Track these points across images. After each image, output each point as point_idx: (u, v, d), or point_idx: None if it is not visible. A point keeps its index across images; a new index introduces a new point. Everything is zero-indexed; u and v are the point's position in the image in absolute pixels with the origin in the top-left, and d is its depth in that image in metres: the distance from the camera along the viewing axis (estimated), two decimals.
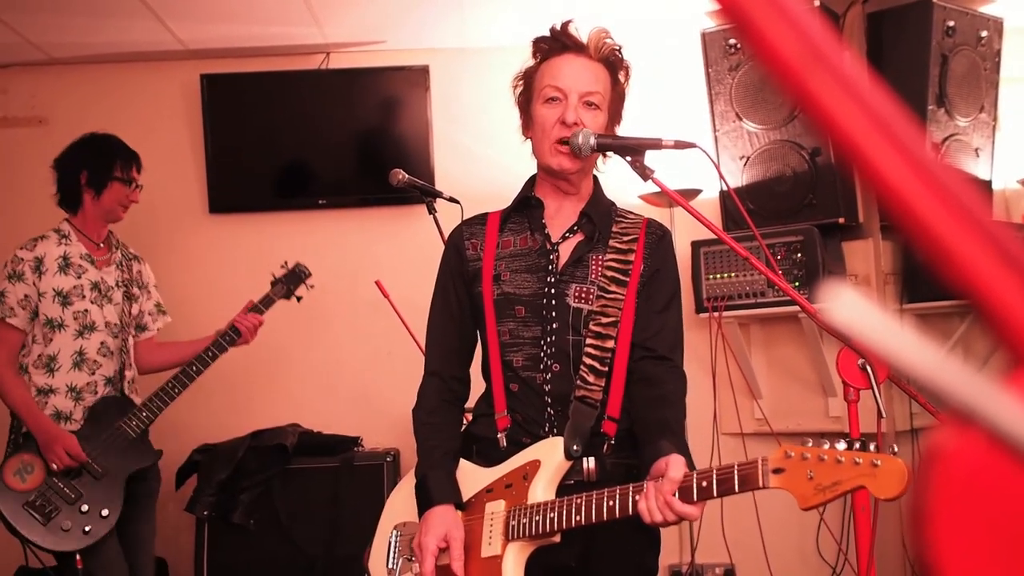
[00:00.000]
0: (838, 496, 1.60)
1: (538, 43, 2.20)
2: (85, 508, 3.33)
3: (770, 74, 0.44)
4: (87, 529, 3.31)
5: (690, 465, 1.86)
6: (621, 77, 2.21)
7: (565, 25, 2.17)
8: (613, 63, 2.17)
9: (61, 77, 4.83)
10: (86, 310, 3.48)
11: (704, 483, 1.76)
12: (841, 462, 1.59)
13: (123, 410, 3.49)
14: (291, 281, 3.86)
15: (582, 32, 2.17)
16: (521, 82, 2.23)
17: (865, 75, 0.45)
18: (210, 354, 3.59)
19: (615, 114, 2.21)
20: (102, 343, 3.51)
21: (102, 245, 3.63)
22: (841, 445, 1.61)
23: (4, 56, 4.70)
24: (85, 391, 3.45)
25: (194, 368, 3.55)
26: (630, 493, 1.85)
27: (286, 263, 3.91)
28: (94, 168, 3.57)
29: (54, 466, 3.30)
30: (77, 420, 3.43)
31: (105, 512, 3.35)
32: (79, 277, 3.50)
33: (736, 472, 1.72)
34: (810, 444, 1.64)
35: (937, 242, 0.44)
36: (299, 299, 3.91)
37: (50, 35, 4.49)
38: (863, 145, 0.44)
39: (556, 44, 2.15)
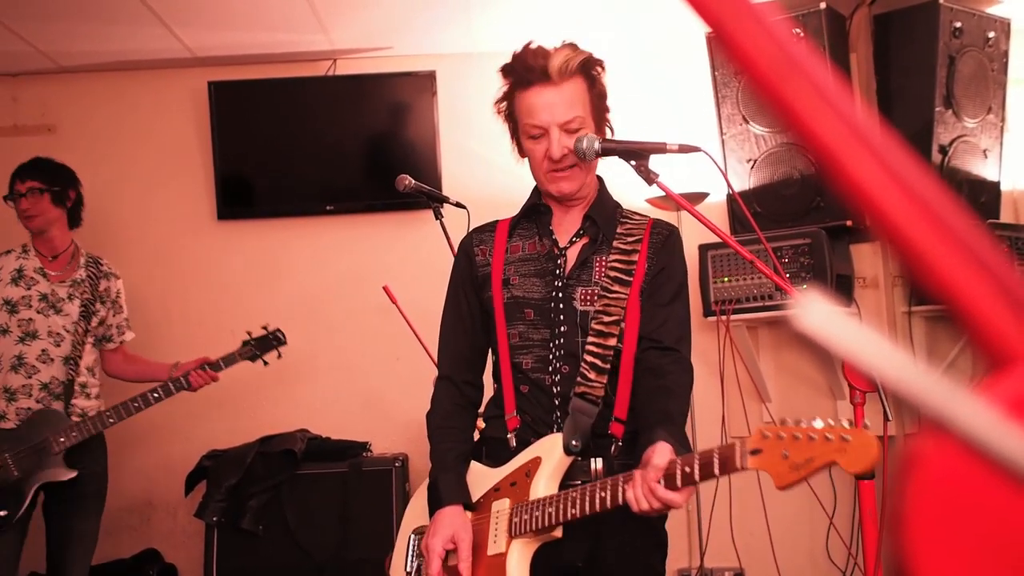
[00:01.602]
0: (813, 473, 1.58)
1: (505, 71, 2.18)
2: None
3: (747, 82, 0.44)
4: None
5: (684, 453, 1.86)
6: (597, 72, 2.15)
7: (526, 51, 2.12)
8: (584, 69, 2.12)
9: (70, 85, 4.85)
10: (31, 319, 3.71)
11: (687, 468, 1.75)
12: (814, 439, 1.58)
13: (57, 424, 3.62)
14: (262, 347, 3.93)
15: (547, 56, 2.09)
16: (503, 104, 2.22)
17: (839, 82, 0.45)
18: (155, 395, 3.71)
19: (600, 117, 2.17)
20: (43, 351, 3.70)
21: (53, 259, 3.82)
22: (818, 423, 1.59)
23: (14, 65, 4.72)
24: (20, 393, 3.65)
25: (135, 404, 3.67)
26: (620, 483, 1.86)
27: (266, 327, 3.96)
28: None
29: None
30: (11, 420, 3.63)
31: (3, 512, 3.51)
32: (29, 288, 3.74)
33: (716, 455, 1.71)
34: (788, 423, 1.63)
35: (912, 247, 0.44)
36: (265, 363, 3.96)
37: (59, 43, 4.51)
38: (837, 152, 0.44)
39: (521, 78, 2.12)
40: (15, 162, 4.81)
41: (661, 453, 1.81)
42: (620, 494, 1.85)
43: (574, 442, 2.02)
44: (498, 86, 2.25)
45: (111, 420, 3.65)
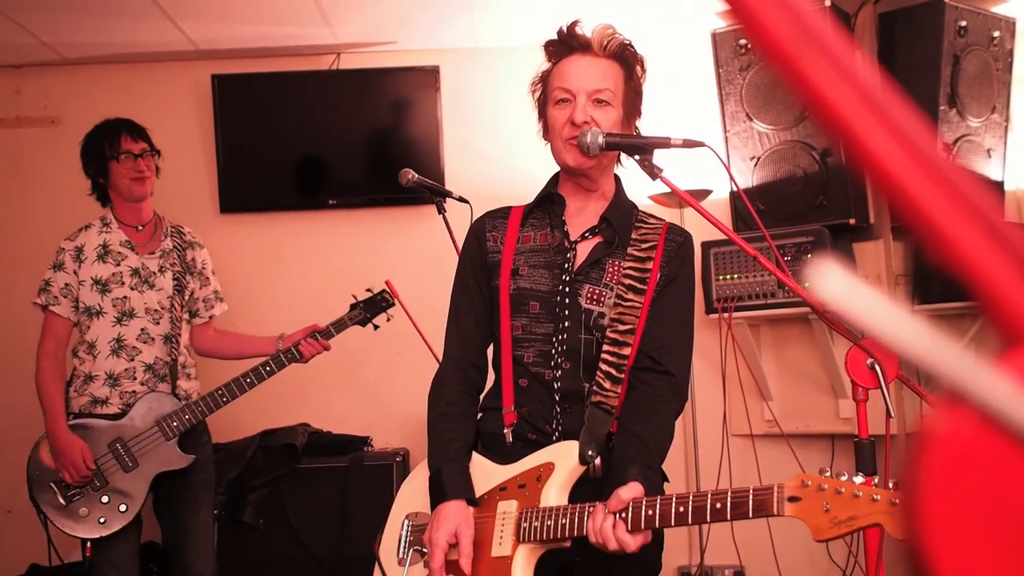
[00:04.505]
0: (854, 531, 1.58)
1: (547, 47, 2.21)
2: (106, 499, 3.30)
3: (762, 54, 0.44)
4: (102, 520, 3.28)
5: (654, 490, 1.90)
6: (637, 71, 2.20)
7: (572, 26, 2.17)
8: (624, 57, 2.17)
9: (73, 77, 4.85)
10: (125, 297, 3.45)
11: (718, 504, 1.75)
12: (858, 497, 1.56)
13: (168, 408, 3.42)
14: (371, 309, 3.68)
15: (590, 31, 2.17)
16: (539, 86, 2.23)
17: (854, 53, 0.45)
18: (267, 369, 3.50)
19: (631, 109, 2.20)
20: (142, 329, 3.45)
21: (141, 229, 3.56)
22: (859, 479, 1.59)
23: (17, 56, 4.72)
24: (123, 377, 3.41)
25: (248, 380, 3.46)
26: (643, 507, 1.86)
27: (371, 289, 3.73)
28: (92, 161, 3.56)
29: (64, 475, 3.26)
30: (114, 404, 3.39)
31: (123, 507, 3.30)
32: (118, 264, 3.47)
33: (751, 497, 1.71)
34: (828, 475, 1.63)
35: (927, 219, 0.44)
36: (376, 327, 3.72)
37: (62, 35, 4.51)
38: (852, 122, 0.44)
39: (563, 46, 2.16)
40: (18, 154, 4.83)
41: (629, 489, 1.86)
42: (641, 519, 1.85)
43: (590, 452, 2.02)
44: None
45: (224, 399, 3.41)
